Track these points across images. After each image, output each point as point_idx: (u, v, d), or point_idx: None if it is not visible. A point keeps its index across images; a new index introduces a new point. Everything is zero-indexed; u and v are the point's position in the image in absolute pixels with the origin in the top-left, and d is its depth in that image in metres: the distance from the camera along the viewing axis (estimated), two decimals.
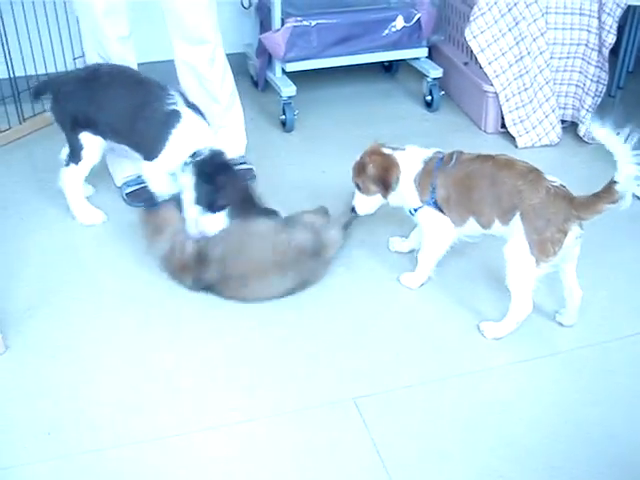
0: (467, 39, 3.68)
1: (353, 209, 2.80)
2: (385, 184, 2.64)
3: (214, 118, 3.23)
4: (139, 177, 3.17)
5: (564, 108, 3.79)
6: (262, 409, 2.29)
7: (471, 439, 2.19)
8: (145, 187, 3.09)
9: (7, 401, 2.32)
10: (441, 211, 2.57)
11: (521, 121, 3.69)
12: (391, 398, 2.33)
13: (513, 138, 3.70)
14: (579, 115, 3.72)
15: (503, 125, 3.76)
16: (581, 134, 3.70)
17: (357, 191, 2.76)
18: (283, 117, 3.82)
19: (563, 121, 3.79)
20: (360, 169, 2.70)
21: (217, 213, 2.79)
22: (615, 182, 2.22)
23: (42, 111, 3.84)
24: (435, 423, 2.25)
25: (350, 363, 2.45)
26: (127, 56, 3.08)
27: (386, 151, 2.68)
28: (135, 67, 3.13)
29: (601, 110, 3.66)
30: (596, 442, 2.18)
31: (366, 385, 2.37)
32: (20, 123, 3.80)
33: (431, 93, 4.00)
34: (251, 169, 3.38)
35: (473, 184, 2.49)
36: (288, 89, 3.77)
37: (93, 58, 3.09)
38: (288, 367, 2.44)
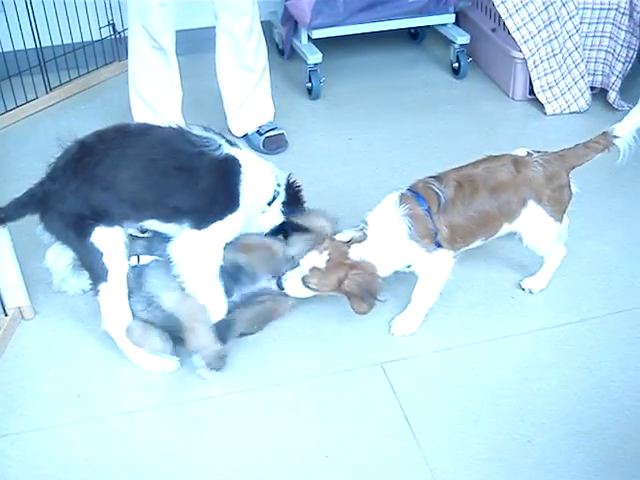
0: (495, 4, 3.62)
1: (280, 284, 2.37)
2: (372, 296, 2.29)
3: (246, 87, 3.31)
4: None
5: (594, 74, 3.73)
6: (290, 373, 2.30)
7: (499, 404, 2.18)
8: None
9: (37, 365, 2.35)
10: (439, 246, 2.35)
11: (550, 87, 3.64)
12: (418, 363, 2.33)
13: (542, 105, 3.65)
14: (609, 81, 3.65)
15: (531, 92, 3.71)
16: (611, 101, 3.63)
17: (299, 281, 2.33)
18: (309, 85, 3.80)
19: (592, 88, 3.73)
20: (325, 278, 2.29)
21: None
22: (608, 133, 2.42)
23: (68, 80, 3.87)
24: (463, 388, 2.24)
25: (377, 329, 2.44)
26: (167, 23, 3.07)
27: (354, 252, 2.27)
28: (173, 34, 3.12)
29: (631, 77, 3.62)
30: (625, 408, 2.16)
31: (393, 350, 2.36)
32: (47, 92, 3.81)
33: (458, 60, 3.95)
34: (282, 134, 3.41)
35: (478, 208, 2.34)
36: (314, 56, 3.75)
37: (135, 29, 3.09)
38: (316, 332, 2.44)
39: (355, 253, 2.28)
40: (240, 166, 2.33)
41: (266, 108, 3.41)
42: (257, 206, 2.44)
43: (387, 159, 3.31)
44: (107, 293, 2.26)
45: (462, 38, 3.93)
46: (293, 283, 2.34)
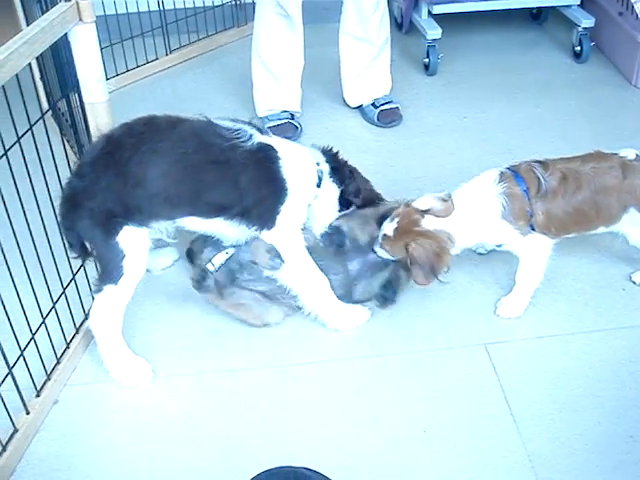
0: None
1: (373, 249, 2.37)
2: (433, 272, 2.24)
3: (365, 59, 3.31)
4: (284, 112, 3.25)
5: None
6: (394, 347, 2.32)
7: (602, 397, 2.14)
8: (287, 122, 3.18)
9: (147, 317, 2.42)
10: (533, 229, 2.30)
11: None
12: (523, 347, 2.31)
13: None
14: None
15: None
16: None
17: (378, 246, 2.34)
18: (426, 60, 3.77)
19: None
20: (394, 245, 2.27)
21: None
22: None
23: (188, 43, 3.94)
24: (566, 376, 2.21)
25: (483, 309, 2.43)
26: None
27: (428, 222, 2.23)
28: (300, 3, 3.10)
29: None
30: None
31: (498, 332, 2.35)
32: (166, 54, 3.89)
33: (581, 43, 3.84)
34: (397, 108, 3.40)
35: (577, 207, 2.28)
36: (433, 32, 3.71)
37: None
38: (422, 308, 2.44)
39: (429, 223, 2.23)
40: (276, 152, 2.25)
41: (383, 81, 3.40)
42: (307, 192, 2.33)
43: (500, 140, 3.26)
44: (110, 296, 2.17)
45: (587, 21, 3.81)
46: (379, 247, 2.33)
